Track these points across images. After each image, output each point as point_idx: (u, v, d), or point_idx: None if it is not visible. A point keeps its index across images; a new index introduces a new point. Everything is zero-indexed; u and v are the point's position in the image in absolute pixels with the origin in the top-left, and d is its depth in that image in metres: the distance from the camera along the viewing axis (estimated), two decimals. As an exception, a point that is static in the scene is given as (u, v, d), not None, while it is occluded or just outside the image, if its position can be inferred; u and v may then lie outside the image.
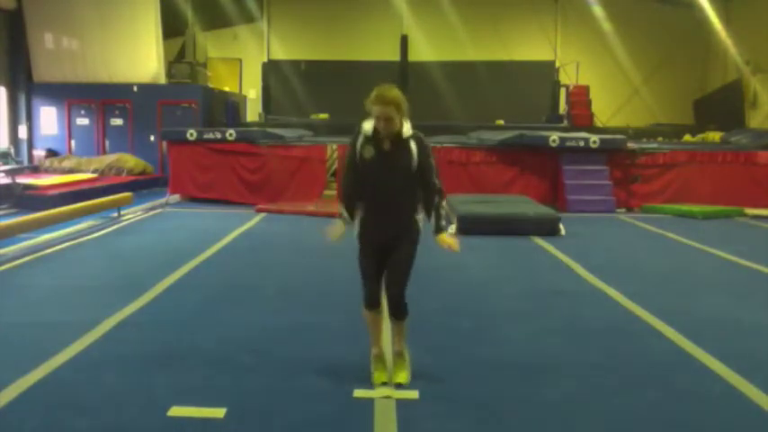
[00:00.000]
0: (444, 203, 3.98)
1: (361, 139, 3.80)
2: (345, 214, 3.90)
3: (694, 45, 20.88)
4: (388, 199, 3.78)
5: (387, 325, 4.10)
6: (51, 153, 16.11)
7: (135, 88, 16.33)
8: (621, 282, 6.49)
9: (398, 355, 3.93)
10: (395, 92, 3.73)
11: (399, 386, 3.78)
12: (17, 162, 15.70)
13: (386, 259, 3.86)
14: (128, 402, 3.63)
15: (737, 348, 4.63)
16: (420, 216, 3.90)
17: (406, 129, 3.75)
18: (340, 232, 3.90)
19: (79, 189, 12.44)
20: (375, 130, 3.73)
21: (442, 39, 21.06)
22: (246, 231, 9.61)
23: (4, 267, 6.94)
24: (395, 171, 3.74)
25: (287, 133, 13.78)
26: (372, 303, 3.90)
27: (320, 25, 21.90)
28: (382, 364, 3.94)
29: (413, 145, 3.76)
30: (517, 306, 5.78)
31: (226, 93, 18.98)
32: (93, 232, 9.20)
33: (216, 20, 20.38)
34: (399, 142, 3.74)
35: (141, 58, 16.38)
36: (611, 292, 6.18)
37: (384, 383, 3.82)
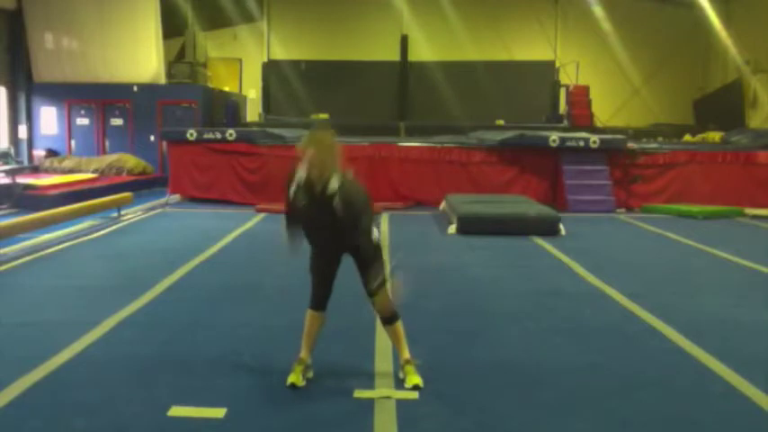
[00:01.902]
0: (378, 234, 3.83)
1: (294, 187, 3.78)
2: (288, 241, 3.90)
3: (694, 45, 20.90)
4: (326, 235, 3.82)
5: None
6: (51, 153, 16.10)
7: (135, 88, 16.33)
8: (621, 282, 6.49)
9: (408, 362, 3.93)
10: (328, 136, 3.74)
11: (416, 387, 3.79)
12: (17, 162, 15.70)
13: (336, 264, 3.91)
14: (128, 402, 3.63)
15: (737, 348, 4.63)
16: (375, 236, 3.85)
17: (333, 183, 3.65)
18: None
19: (79, 189, 12.44)
20: (307, 176, 3.70)
21: (442, 39, 21.07)
22: (246, 231, 9.61)
23: (4, 267, 6.94)
24: (325, 217, 3.71)
25: (287, 133, 13.78)
26: (318, 305, 3.96)
27: (320, 25, 21.91)
28: (302, 367, 3.90)
29: (337, 202, 3.65)
30: (517, 306, 5.77)
31: (226, 93, 18.99)
32: (93, 232, 9.21)
33: (216, 20, 20.38)
34: (328, 193, 3.67)
35: (141, 58, 16.38)
36: (611, 292, 6.18)
37: (293, 385, 3.81)
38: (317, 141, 3.68)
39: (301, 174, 3.73)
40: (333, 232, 3.76)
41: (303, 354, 3.94)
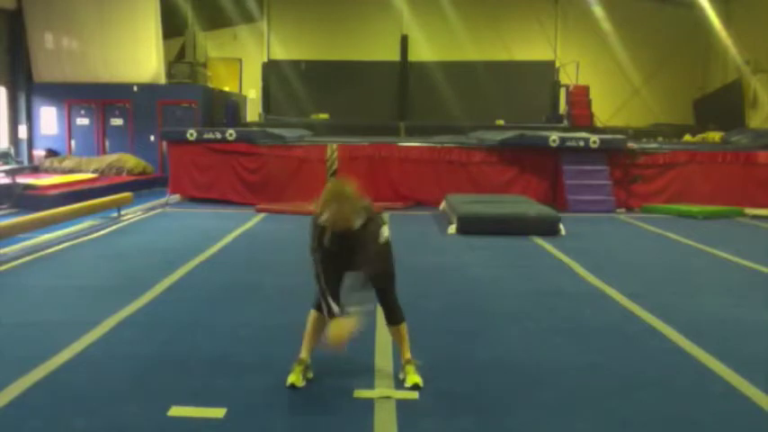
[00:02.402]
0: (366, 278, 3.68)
1: (319, 231, 3.72)
2: (335, 308, 3.64)
3: (694, 45, 20.90)
4: (350, 267, 3.75)
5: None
6: (51, 153, 16.10)
7: (135, 88, 16.33)
8: (621, 282, 6.50)
9: (408, 362, 3.93)
10: (349, 188, 3.69)
11: (416, 387, 3.79)
12: (17, 162, 15.70)
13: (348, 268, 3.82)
14: (128, 402, 3.63)
15: (737, 348, 4.64)
16: (385, 231, 3.83)
17: (358, 222, 3.68)
18: (348, 329, 3.62)
19: (79, 189, 12.44)
20: (333, 229, 3.67)
21: (442, 39, 21.07)
22: (246, 231, 9.61)
23: (4, 267, 6.94)
24: (353, 249, 3.69)
25: (287, 133, 13.79)
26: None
27: (320, 25, 21.91)
28: (302, 368, 3.89)
29: (364, 231, 3.69)
30: (517, 306, 5.78)
31: (226, 93, 18.99)
32: (93, 232, 9.21)
33: (216, 20, 20.39)
34: (354, 232, 3.68)
35: (141, 58, 16.38)
36: (611, 292, 6.18)
37: (293, 385, 3.80)
38: (337, 197, 3.63)
39: (325, 224, 3.68)
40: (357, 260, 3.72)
41: (303, 354, 3.94)
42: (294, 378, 3.84)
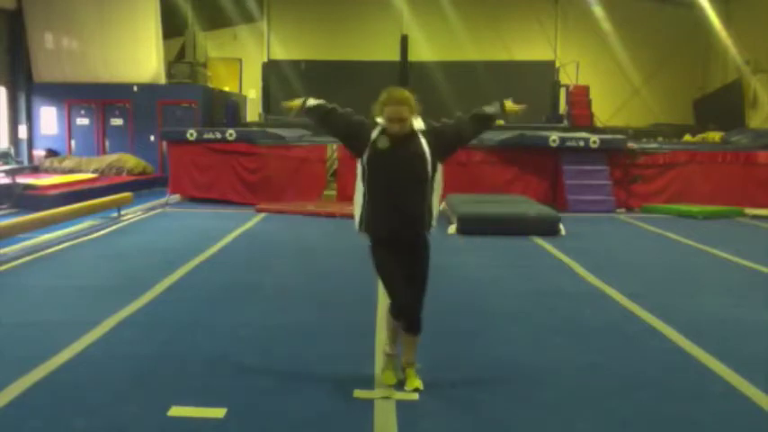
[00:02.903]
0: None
1: (377, 131, 3.74)
2: (312, 102, 4.40)
3: (694, 45, 20.90)
4: (398, 196, 3.70)
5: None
6: (51, 153, 16.11)
7: (135, 88, 16.33)
8: (621, 282, 6.50)
9: (410, 365, 3.90)
10: (406, 92, 3.72)
11: (416, 390, 3.77)
12: (17, 162, 15.70)
13: (400, 266, 3.79)
14: (128, 402, 3.63)
15: (737, 348, 4.63)
16: (433, 223, 3.83)
17: (418, 124, 3.74)
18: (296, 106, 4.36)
19: (79, 189, 12.44)
20: (387, 132, 3.70)
21: (442, 39, 21.07)
22: (246, 231, 9.61)
23: (4, 267, 6.94)
24: (406, 169, 3.69)
25: (287, 133, 13.79)
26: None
27: (320, 25, 21.91)
28: (393, 365, 3.91)
29: (424, 141, 3.72)
30: (517, 306, 5.78)
31: (226, 93, 18.98)
32: (93, 232, 9.21)
33: (216, 20, 20.38)
34: (412, 139, 3.71)
35: (141, 58, 16.38)
36: (611, 292, 6.18)
37: (392, 386, 3.79)
38: (394, 99, 3.66)
39: (380, 129, 3.71)
40: (407, 183, 3.69)
41: (391, 350, 3.91)
42: (388, 377, 3.84)
